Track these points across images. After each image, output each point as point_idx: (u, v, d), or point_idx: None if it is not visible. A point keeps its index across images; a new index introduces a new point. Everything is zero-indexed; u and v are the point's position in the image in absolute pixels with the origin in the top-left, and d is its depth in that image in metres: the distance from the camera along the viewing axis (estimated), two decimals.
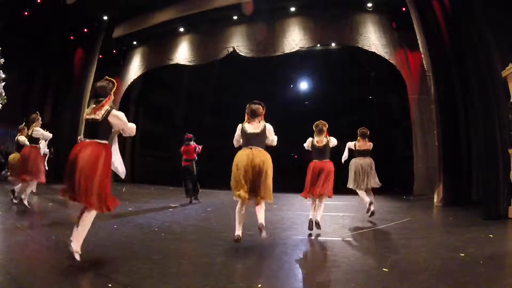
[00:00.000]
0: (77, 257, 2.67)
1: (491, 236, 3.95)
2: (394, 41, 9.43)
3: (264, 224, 3.43)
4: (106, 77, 3.05)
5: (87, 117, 2.82)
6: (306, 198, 4.39)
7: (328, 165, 4.31)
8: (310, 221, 4.20)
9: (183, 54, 11.82)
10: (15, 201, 5.49)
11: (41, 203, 6.25)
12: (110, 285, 2.36)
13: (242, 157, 3.38)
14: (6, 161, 11.75)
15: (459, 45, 6.84)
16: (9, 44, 8.77)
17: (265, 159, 3.39)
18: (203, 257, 3.15)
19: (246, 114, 3.58)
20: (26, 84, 12.44)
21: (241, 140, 3.55)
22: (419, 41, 7.81)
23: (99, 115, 2.78)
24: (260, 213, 3.45)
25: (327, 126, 4.44)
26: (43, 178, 5.36)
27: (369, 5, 9.67)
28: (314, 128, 4.47)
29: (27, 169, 5.14)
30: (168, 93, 13.75)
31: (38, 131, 5.32)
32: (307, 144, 4.50)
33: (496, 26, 5.46)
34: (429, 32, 7.54)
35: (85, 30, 12.29)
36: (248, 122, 3.54)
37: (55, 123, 12.53)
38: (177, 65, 11.93)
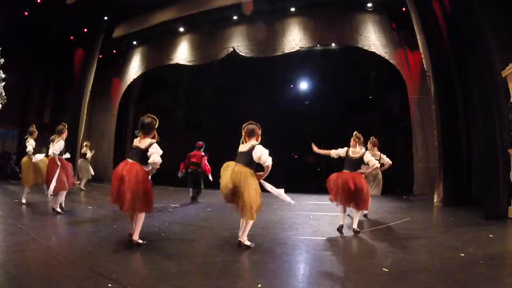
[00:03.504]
0: (140, 240, 3.40)
1: (491, 236, 3.95)
2: (394, 41, 9.41)
3: (242, 241, 3.46)
4: (149, 114, 3.62)
5: (133, 145, 3.54)
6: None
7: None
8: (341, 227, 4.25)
9: (183, 54, 11.80)
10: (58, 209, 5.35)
11: (41, 204, 6.25)
12: (110, 285, 2.36)
13: (225, 169, 3.59)
14: (7, 160, 11.81)
15: (459, 45, 6.84)
16: (9, 44, 8.75)
17: (241, 178, 3.38)
18: (203, 257, 3.15)
19: (243, 134, 3.60)
20: (26, 84, 12.42)
21: None
22: (419, 41, 7.79)
23: (143, 145, 3.44)
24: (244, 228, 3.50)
25: (360, 138, 4.42)
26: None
27: (369, 5, 9.65)
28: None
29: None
30: (168, 93, 13.73)
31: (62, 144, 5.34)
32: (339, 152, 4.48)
33: (496, 26, 5.45)
34: (429, 32, 7.53)
35: (85, 30, 12.27)
36: (244, 142, 3.59)
37: (55, 123, 12.53)
38: (177, 65, 11.91)
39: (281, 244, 3.72)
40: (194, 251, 3.47)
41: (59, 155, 5.29)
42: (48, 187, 5.22)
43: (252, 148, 3.46)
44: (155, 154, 3.32)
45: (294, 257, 3.33)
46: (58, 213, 5.18)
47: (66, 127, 5.56)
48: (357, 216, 4.36)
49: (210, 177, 7.20)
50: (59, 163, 5.27)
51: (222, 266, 2.90)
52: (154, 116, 3.59)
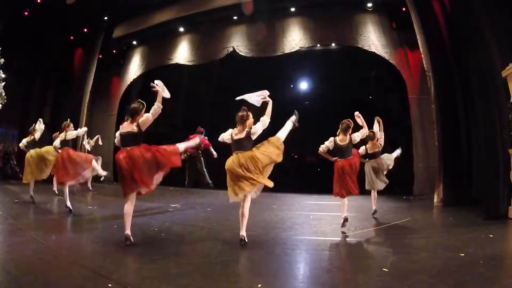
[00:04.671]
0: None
1: (491, 236, 3.95)
2: (394, 41, 9.41)
3: (245, 236, 3.58)
4: (139, 99, 3.64)
5: (123, 131, 3.50)
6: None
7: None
8: (345, 219, 4.35)
9: (183, 54, 11.80)
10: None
11: (41, 203, 6.25)
12: (110, 285, 2.36)
13: (229, 163, 3.61)
14: (7, 160, 11.81)
15: (459, 45, 6.84)
16: (9, 44, 8.76)
17: (249, 157, 3.55)
18: (203, 257, 3.15)
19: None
20: (26, 84, 12.42)
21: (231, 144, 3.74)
22: (419, 41, 7.79)
23: (134, 128, 3.49)
24: (243, 220, 3.60)
25: (352, 124, 4.55)
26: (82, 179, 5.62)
27: (369, 5, 9.65)
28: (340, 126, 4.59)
29: (68, 172, 5.28)
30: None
31: (72, 133, 5.59)
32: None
33: (496, 26, 5.45)
34: (429, 32, 7.52)
35: (85, 30, 12.27)
36: (237, 128, 3.73)
37: (55, 123, 12.53)
38: (177, 65, 11.91)
39: (281, 244, 3.72)
40: (194, 251, 3.47)
41: (67, 145, 5.49)
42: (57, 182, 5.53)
43: (248, 133, 3.66)
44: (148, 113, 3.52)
45: (294, 257, 3.33)
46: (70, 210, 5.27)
47: (70, 120, 5.74)
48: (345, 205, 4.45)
49: (213, 152, 7.13)
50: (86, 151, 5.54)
51: (222, 266, 2.90)
52: (142, 102, 3.62)
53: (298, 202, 7.75)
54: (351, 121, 4.58)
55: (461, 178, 6.95)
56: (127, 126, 3.54)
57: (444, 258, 3.10)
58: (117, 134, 3.66)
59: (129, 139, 3.50)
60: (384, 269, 2.78)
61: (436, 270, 2.77)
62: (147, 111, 3.60)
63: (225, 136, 3.81)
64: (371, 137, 5.66)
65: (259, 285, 2.43)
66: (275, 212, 6.00)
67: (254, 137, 3.69)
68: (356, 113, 4.81)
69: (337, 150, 4.51)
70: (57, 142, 5.67)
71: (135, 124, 3.53)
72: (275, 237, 4.08)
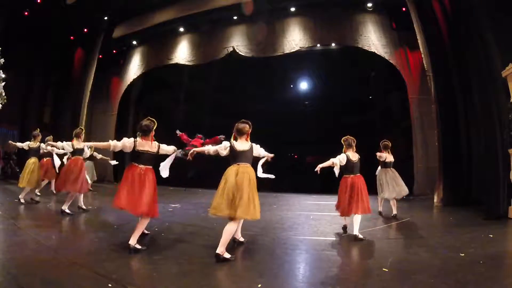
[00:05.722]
0: (138, 246, 3.28)
1: (491, 236, 3.95)
2: (394, 41, 9.42)
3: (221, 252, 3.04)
4: (149, 117, 3.71)
5: (141, 149, 3.54)
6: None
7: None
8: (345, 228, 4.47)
9: (183, 54, 11.82)
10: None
11: (41, 204, 6.25)
12: (110, 285, 2.36)
13: (231, 174, 3.33)
14: (7, 160, 11.81)
15: (459, 45, 6.84)
16: (9, 44, 8.75)
17: (249, 173, 3.36)
18: (203, 257, 3.14)
19: (233, 133, 3.62)
20: (26, 84, 12.43)
21: (230, 156, 3.52)
22: (419, 41, 7.80)
23: (154, 149, 3.62)
24: (223, 236, 3.13)
25: (355, 141, 4.45)
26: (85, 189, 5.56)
27: (369, 5, 9.67)
28: (343, 143, 4.48)
29: (72, 180, 5.22)
30: (168, 93, 13.74)
31: (80, 144, 5.44)
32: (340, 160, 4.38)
33: (496, 26, 5.45)
34: (429, 32, 7.54)
35: (85, 30, 12.28)
36: (236, 140, 3.58)
37: (55, 123, 12.54)
38: (177, 65, 11.93)
39: (281, 244, 3.72)
40: (194, 251, 3.47)
41: (78, 154, 5.44)
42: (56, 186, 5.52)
43: (252, 146, 3.58)
44: (169, 147, 3.80)
45: (294, 257, 3.33)
46: (68, 214, 5.19)
47: (84, 131, 5.67)
48: (358, 221, 4.21)
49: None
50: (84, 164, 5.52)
51: (222, 266, 2.90)
52: (153, 119, 3.66)
53: (298, 202, 7.75)
54: (350, 137, 4.46)
55: (461, 178, 6.95)
56: (145, 144, 3.56)
57: (444, 258, 3.10)
58: (127, 143, 3.51)
59: (147, 157, 3.56)
60: (384, 269, 2.78)
61: (436, 270, 2.77)
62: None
63: (222, 150, 3.53)
64: (387, 146, 5.67)
65: (259, 285, 2.43)
66: (275, 212, 6.00)
67: (256, 152, 3.65)
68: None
69: (350, 166, 4.35)
70: (68, 148, 5.39)
71: (156, 145, 3.64)
72: (275, 237, 4.09)
